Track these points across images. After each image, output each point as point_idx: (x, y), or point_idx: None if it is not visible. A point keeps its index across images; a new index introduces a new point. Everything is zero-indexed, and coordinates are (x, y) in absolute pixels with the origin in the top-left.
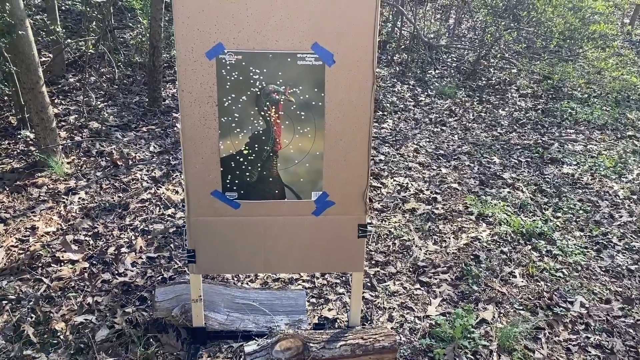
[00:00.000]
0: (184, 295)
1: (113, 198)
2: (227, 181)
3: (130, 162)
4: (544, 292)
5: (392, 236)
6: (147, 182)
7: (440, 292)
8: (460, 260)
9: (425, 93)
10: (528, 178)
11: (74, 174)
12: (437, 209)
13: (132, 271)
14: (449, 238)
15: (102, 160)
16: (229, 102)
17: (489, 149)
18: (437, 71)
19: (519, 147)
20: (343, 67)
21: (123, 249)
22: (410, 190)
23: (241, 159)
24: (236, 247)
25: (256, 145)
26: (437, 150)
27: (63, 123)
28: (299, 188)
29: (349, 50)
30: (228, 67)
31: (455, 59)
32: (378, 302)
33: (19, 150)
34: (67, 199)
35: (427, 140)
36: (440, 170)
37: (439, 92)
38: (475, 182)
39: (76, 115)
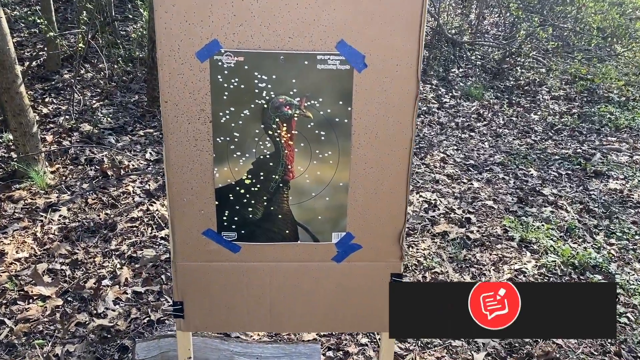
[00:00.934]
0: (170, 352)
1: (99, 215)
2: (224, 218)
3: (122, 172)
4: (608, 343)
5: (421, 268)
6: (140, 196)
7: (483, 344)
8: None
9: (450, 94)
10: (571, 195)
11: (57, 185)
12: (472, 232)
13: (113, 311)
14: (489, 271)
15: (91, 169)
16: (227, 117)
17: (524, 159)
18: (461, 70)
19: (557, 157)
20: (377, 72)
21: (105, 282)
22: (439, 209)
23: (242, 191)
24: (235, 299)
25: (262, 174)
26: (467, 160)
27: (52, 125)
28: (317, 228)
29: (386, 50)
30: (226, 72)
31: (479, 57)
32: (410, 359)
33: None
34: (45, 217)
35: (455, 148)
36: (471, 183)
37: (465, 93)
38: (512, 199)
39: (66, 117)
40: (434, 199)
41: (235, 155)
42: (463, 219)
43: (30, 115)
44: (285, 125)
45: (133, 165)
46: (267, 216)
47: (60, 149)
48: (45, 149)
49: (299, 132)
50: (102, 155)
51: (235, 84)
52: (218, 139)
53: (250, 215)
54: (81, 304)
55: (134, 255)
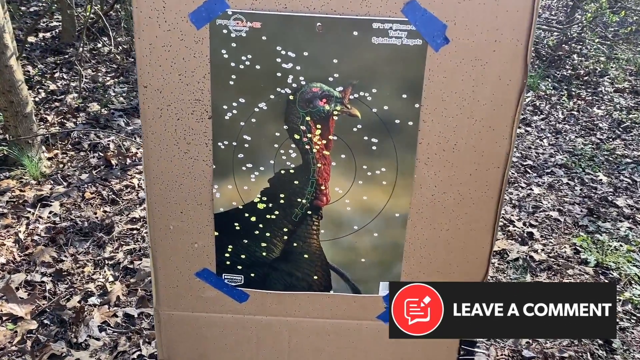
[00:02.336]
0: None
1: (96, 213)
2: (227, 255)
3: (129, 161)
4: None
5: None
6: (144, 191)
7: None
8: (584, 347)
9: None
10: None
11: (52, 175)
12: (536, 251)
13: (97, 340)
14: None
15: (94, 157)
16: (234, 112)
17: (591, 162)
18: None
19: (628, 160)
20: (464, 52)
21: (92, 299)
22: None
23: (253, 219)
24: None
25: (282, 196)
26: (524, 160)
27: (57, 104)
28: (358, 274)
29: (479, 18)
30: (233, 45)
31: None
32: None
33: None
34: (33, 214)
35: None
36: (531, 189)
37: None
38: (581, 211)
39: (75, 95)
40: None
41: (244, 168)
42: (524, 234)
43: (23, 93)
44: (319, 126)
45: (141, 153)
46: (287, 255)
47: (61, 131)
48: (44, 132)
49: (340, 137)
50: (109, 141)
51: (248, 63)
52: (220, 144)
53: (264, 253)
54: (60, 328)
55: (130, 266)
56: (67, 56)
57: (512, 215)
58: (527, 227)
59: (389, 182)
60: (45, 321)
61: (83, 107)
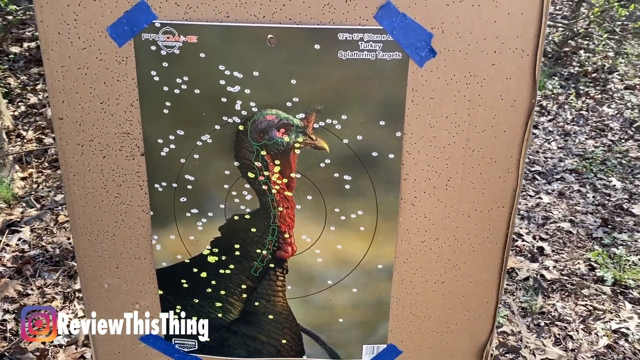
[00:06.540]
0: None
1: (69, 239)
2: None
3: None
4: None
5: None
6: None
7: None
8: None
9: None
10: None
11: (25, 197)
12: (548, 269)
13: None
14: (577, 331)
15: None
16: (172, 147)
17: (603, 166)
18: None
19: None
20: (456, 67)
21: (58, 339)
22: None
23: (203, 274)
24: None
25: (237, 246)
26: (532, 166)
27: (38, 118)
28: (335, 336)
29: (473, 25)
30: (165, 65)
31: None
32: None
33: None
34: (0, 242)
35: None
36: (540, 197)
37: None
38: (594, 221)
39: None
40: None
41: (189, 215)
42: (535, 250)
43: None
44: (278, 162)
45: None
46: (248, 316)
47: (39, 148)
48: (19, 150)
49: (304, 175)
50: None
51: (184, 87)
52: (157, 186)
53: (220, 315)
54: None
55: None
56: None
57: (521, 228)
58: (537, 241)
59: (368, 227)
60: None
61: None
